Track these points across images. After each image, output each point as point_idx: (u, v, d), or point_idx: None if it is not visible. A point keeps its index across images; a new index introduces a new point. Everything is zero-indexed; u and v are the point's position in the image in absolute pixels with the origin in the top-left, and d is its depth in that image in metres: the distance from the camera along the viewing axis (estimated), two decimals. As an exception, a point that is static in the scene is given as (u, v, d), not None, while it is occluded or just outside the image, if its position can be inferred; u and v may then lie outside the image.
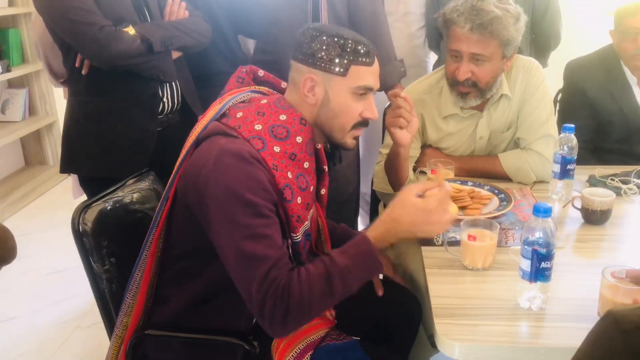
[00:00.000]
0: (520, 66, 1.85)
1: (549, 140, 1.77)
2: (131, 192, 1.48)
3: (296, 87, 1.30)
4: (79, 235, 1.34)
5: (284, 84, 1.39)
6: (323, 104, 1.28)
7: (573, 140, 1.64)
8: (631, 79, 2.12)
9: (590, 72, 2.16)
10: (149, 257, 1.32)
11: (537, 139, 1.79)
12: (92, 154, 1.92)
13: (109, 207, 1.40)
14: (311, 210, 1.34)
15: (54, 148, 4.30)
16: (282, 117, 1.26)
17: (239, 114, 1.26)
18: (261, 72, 1.40)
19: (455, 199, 1.51)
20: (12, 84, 4.13)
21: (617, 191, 1.69)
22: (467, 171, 1.80)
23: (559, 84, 2.36)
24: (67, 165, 2.00)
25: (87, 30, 1.74)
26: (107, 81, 1.87)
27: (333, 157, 2.15)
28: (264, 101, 1.29)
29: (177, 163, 1.29)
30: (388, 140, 1.89)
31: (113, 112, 1.90)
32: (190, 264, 1.30)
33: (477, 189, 1.61)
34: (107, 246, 1.37)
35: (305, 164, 1.28)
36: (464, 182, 1.64)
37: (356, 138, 1.37)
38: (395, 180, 1.79)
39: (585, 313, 1.17)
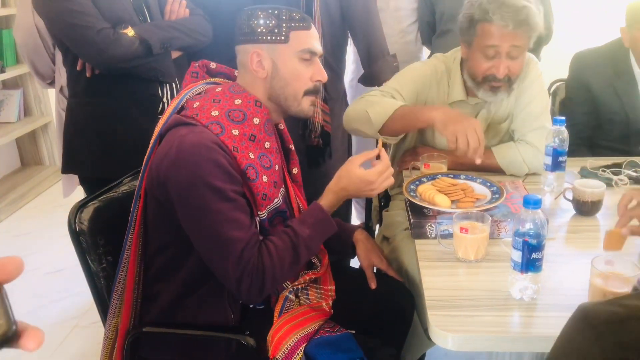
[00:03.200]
0: None
1: (542, 132, 1.79)
2: (127, 190, 1.49)
3: (245, 68, 1.36)
4: (76, 235, 1.35)
5: (236, 72, 1.44)
6: (274, 75, 1.35)
7: (564, 132, 1.66)
8: (639, 76, 2.09)
9: (597, 67, 2.13)
10: (131, 256, 1.35)
11: (531, 131, 1.81)
12: (92, 154, 1.93)
13: (105, 206, 1.42)
14: (281, 189, 1.39)
15: (49, 148, 4.31)
16: (237, 102, 1.32)
17: (196, 104, 1.32)
18: (213, 65, 1.46)
19: (447, 193, 1.53)
20: (6, 84, 4.13)
21: (609, 182, 1.71)
22: (462, 165, 1.81)
23: (550, 77, 2.37)
24: (69, 166, 2.01)
25: (84, 33, 1.74)
26: (106, 82, 1.88)
27: (323, 152, 2.18)
28: (219, 89, 1.35)
29: (144, 160, 1.33)
30: (394, 84, 1.84)
31: (113, 113, 1.91)
32: (170, 258, 1.34)
33: (469, 182, 1.62)
34: (103, 245, 1.38)
35: (266, 143, 1.34)
36: (457, 176, 1.66)
37: (314, 104, 1.44)
38: (398, 129, 1.73)
39: (576, 302, 1.15)
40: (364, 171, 1.36)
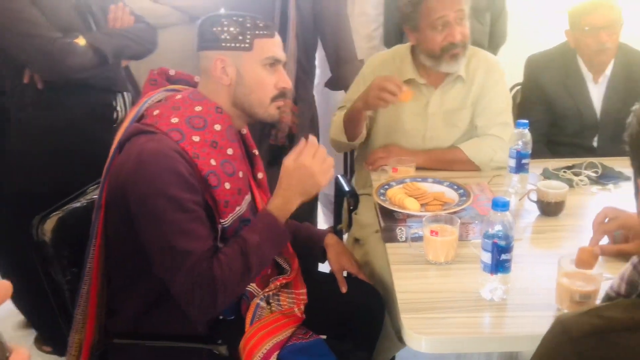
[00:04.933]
0: (482, 59, 1.96)
1: (505, 127, 1.90)
2: (91, 200, 1.45)
3: (208, 75, 1.35)
4: (38, 246, 1.31)
5: (197, 78, 1.43)
6: (238, 82, 1.34)
7: (527, 135, 1.70)
8: (587, 75, 2.19)
9: (548, 68, 2.24)
10: (94, 269, 1.32)
11: (494, 125, 1.92)
12: (46, 169, 1.85)
13: (68, 217, 1.38)
14: (246, 197, 1.37)
15: None
16: (198, 109, 1.31)
17: (156, 112, 1.30)
18: (172, 72, 1.45)
19: (417, 196, 1.55)
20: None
21: (570, 183, 1.76)
22: (433, 161, 1.90)
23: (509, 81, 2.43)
24: (20, 184, 1.88)
25: (38, 43, 1.67)
26: (57, 94, 1.80)
27: (286, 152, 2.20)
28: (179, 96, 1.34)
29: (104, 170, 1.31)
30: (350, 95, 2.01)
31: (67, 125, 1.83)
32: (134, 269, 1.31)
33: (437, 186, 1.64)
34: (68, 256, 1.34)
35: (228, 150, 1.32)
36: (424, 179, 1.68)
37: (280, 108, 1.42)
38: (352, 133, 1.92)
39: (544, 301, 1.22)
40: (296, 161, 1.31)
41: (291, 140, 2.21)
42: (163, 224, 1.20)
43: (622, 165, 1.89)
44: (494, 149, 1.89)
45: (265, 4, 2.09)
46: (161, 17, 2.41)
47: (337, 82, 2.37)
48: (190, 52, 2.04)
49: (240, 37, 1.31)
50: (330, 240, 1.60)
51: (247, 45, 1.32)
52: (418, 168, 1.85)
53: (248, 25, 1.32)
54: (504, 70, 1.97)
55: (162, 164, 1.20)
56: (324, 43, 2.29)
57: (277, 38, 1.38)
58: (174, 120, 1.27)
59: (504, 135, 1.87)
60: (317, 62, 2.46)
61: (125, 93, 1.95)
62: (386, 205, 1.52)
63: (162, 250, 1.21)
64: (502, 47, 2.84)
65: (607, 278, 1.16)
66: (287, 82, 1.39)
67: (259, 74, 1.34)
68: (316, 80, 2.73)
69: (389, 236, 1.48)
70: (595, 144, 2.21)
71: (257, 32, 1.32)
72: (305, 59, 2.23)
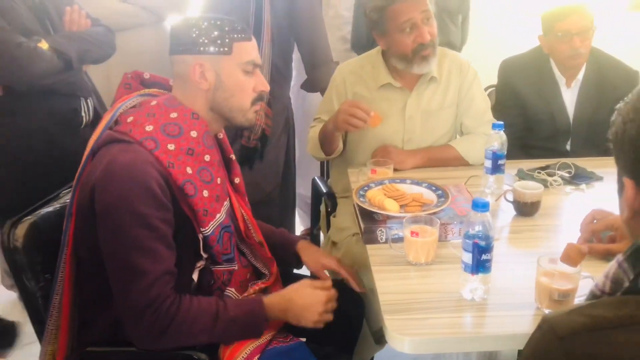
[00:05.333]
0: (453, 60, 1.99)
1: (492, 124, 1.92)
2: (65, 204, 1.41)
3: (184, 80, 1.32)
4: (10, 253, 1.27)
5: (172, 81, 1.40)
6: (217, 87, 1.32)
7: (503, 136, 1.72)
8: (560, 79, 2.23)
9: (522, 72, 2.26)
10: (65, 278, 1.28)
11: (482, 124, 1.97)
12: (10, 180, 1.79)
13: (41, 221, 1.34)
14: (225, 203, 1.36)
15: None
16: (173, 115, 1.28)
17: (130, 119, 1.27)
18: (147, 75, 1.42)
19: (396, 198, 1.55)
20: None
21: (544, 183, 1.79)
22: (428, 160, 1.95)
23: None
24: None
25: (3, 49, 1.61)
26: (20, 100, 1.74)
27: (258, 154, 2.19)
28: (154, 103, 1.31)
29: (76, 177, 1.28)
30: (323, 106, 2.03)
31: (31, 132, 1.78)
32: (106, 280, 1.26)
33: (415, 187, 1.65)
34: (41, 262, 1.30)
35: (205, 157, 1.30)
36: (403, 181, 1.68)
37: (257, 113, 1.42)
38: (328, 149, 1.94)
39: (523, 301, 1.23)
40: (314, 290, 1.34)
41: (264, 142, 2.21)
42: (124, 239, 1.17)
43: (594, 165, 1.94)
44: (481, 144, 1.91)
45: (240, 6, 2.08)
46: (130, 17, 2.37)
47: (312, 84, 2.37)
48: (160, 53, 2.02)
49: (219, 41, 1.29)
50: (303, 245, 1.58)
51: (226, 49, 1.30)
52: (415, 168, 1.92)
53: (227, 28, 1.30)
54: (475, 70, 2.02)
55: (132, 177, 1.18)
56: (299, 45, 2.29)
57: (254, 41, 1.36)
58: (149, 128, 1.24)
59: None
60: (293, 64, 2.45)
61: (89, 98, 1.91)
62: (366, 206, 1.52)
63: (118, 265, 1.19)
64: (474, 49, 2.91)
65: (585, 276, 1.18)
66: (266, 86, 1.38)
67: (239, 78, 1.33)
68: (292, 82, 2.73)
69: (370, 238, 1.48)
70: (568, 147, 2.24)
71: (235, 35, 1.31)
72: (282, 61, 2.22)
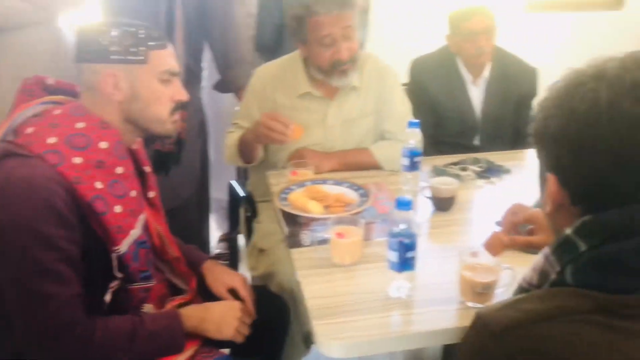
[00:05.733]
0: (374, 65, 1.98)
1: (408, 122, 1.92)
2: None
3: (93, 90, 1.22)
4: None
5: (79, 88, 1.30)
6: (133, 98, 1.23)
7: (419, 134, 1.76)
8: (467, 77, 2.33)
9: (431, 70, 2.33)
10: None
11: (403, 130, 1.91)
12: None
13: None
14: (140, 217, 1.27)
15: None
16: (80, 125, 1.18)
17: (29, 130, 1.15)
18: (51, 80, 1.29)
19: (318, 199, 1.53)
20: None
21: (458, 178, 1.84)
22: (345, 164, 1.91)
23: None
24: None
25: None
26: None
27: (173, 158, 2.09)
28: (58, 112, 1.20)
29: None
30: (241, 112, 1.97)
31: None
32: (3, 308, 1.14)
33: (337, 187, 1.64)
34: None
35: (117, 169, 1.20)
36: (324, 181, 1.67)
37: (176, 122, 1.34)
38: (248, 157, 1.90)
39: (448, 295, 1.25)
40: (235, 302, 1.35)
41: (179, 146, 2.11)
42: (25, 262, 1.06)
43: (502, 159, 2.03)
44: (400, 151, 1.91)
45: (149, 4, 1.97)
46: (20, 15, 2.17)
47: (226, 85, 2.30)
48: (55, 56, 1.86)
49: (133, 50, 1.19)
50: (208, 265, 1.50)
51: (142, 58, 1.20)
52: (332, 171, 1.88)
53: (141, 36, 1.20)
54: (396, 74, 2.02)
55: (31, 193, 1.06)
56: (211, 44, 2.21)
57: (170, 48, 1.28)
58: (51, 140, 1.13)
59: None
60: (204, 64, 2.37)
61: None
62: (288, 210, 1.49)
63: (20, 291, 1.08)
64: (384, 48, 2.95)
65: (505, 268, 1.22)
66: (183, 95, 1.30)
67: (156, 89, 1.24)
68: (204, 82, 2.64)
69: (294, 241, 1.45)
70: (476, 142, 2.34)
71: (151, 43, 1.21)
72: (193, 61, 2.13)
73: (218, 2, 2.14)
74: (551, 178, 0.78)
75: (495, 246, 1.18)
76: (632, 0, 4.00)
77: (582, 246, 0.73)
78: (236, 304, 1.34)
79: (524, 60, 2.36)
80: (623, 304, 0.68)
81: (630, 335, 0.66)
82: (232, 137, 1.93)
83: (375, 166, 1.95)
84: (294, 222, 1.48)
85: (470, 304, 1.22)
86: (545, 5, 4.00)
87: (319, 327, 1.16)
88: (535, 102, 2.41)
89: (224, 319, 1.29)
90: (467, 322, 0.80)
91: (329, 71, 1.82)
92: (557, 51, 3.74)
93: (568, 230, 0.75)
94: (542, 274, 0.78)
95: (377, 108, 1.98)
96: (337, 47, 1.77)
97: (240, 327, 1.32)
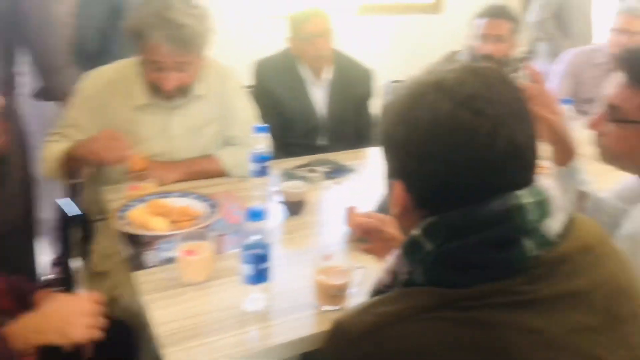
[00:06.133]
0: (216, 70, 1.89)
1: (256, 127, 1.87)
2: None
3: None
4: None
5: None
6: None
7: (266, 138, 1.73)
8: (308, 78, 2.35)
9: (274, 72, 2.33)
10: None
11: (249, 136, 1.86)
12: None
13: None
14: None
15: None
16: None
17: None
18: None
19: (162, 214, 1.43)
20: None
21: (307, 180, 1.85)
22: (191, 174, 1.81)
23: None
24: None
25: None
26: None
27: None
28: None
29: None
30: (67, 120, 1.77)
31: None
32: None
33: (183, 199, 1.55)
34: None
35: None
36: (167, 194, 1.56)
37: None
38: (76, 173, 1.76)
39: (304, 301, 1.23)
40: (72, 297, 1.18)
41: (1, 163, 1.85)
42: None
43: (347, 159, 2.09)
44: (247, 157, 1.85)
45: None
46: None
47: (49, 92, 2.06)
48: None
49: None
50: (40, 295, 1.32)
51: None
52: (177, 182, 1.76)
53: None
54: (238, 78, 1.97)
55: None
56: (29, 49, 1.96)
57: None
58: None
59: None
60: (21, 68, 2.10)
61: None
62: (129, 229, 1.36)
63: None
64: (225, 50, 2.88)
65: (357, 267, 1.23)
66: (1, 101, 1.13)
67: None
68: (22, 89, 2.35)
69: (137, 263, 1.33)
70: (322, 142, 2.38)
71: None
72: (4, 67, 1.87)
73: (34, 1, 1.90)
74: (396, 184, 0.79)
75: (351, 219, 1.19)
76: (449, 6, 4.40)
77: (428, 246, 0.75)
78: (79, 297, 1.16)
79: (360, 63, 2.46)
80: (467, 296, 0.70)
81: (478, 324, 0.69)
82: (53, 149, 1.72)
83: (222, 173, 1.89)
84: (137, 241, 1.36)
85: (325, 307, 1.21)
86: (375, 8, 4.24)
87: (172, 355, 1.07)
88: (372, 103, 2.53)
89: (68, 319, 1.12)
90: (325, 326, 0.79)
91: (155, 91, 1.72)
92: (384, 52, 3.99)
93: (415, 232, 0.76)
94: (395, 275, 0.79)
95: (221, 114, 1.91)
96: (165, 75, 1.66)
97: (92, 322, 1.14)
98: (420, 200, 0.77)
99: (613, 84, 1.18)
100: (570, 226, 0.76)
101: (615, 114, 1.16)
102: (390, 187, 0.82)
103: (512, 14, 2.51)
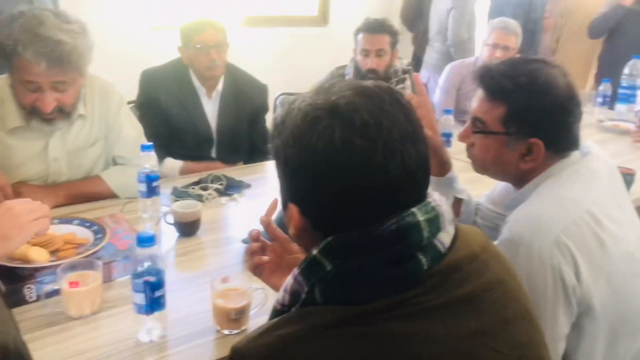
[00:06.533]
0: (96, 87, 1.79)
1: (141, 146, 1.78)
2: None
3: None
4: None
5: None
6: None
7: (154, 157, 1.66)
8: (200, 90, 2.30)
9: (163, 83, 2.26)
10: None
11: (136, 154, 1.77)
12: None
13: None
14: None
15: None
16: None
17: None
18: None
19: (43, 244, 1.32)
20: None
21: (200, 198, 1.81)
22: (73, 197, 1.70)
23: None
24: None
25: None
26: None
27: None
28: None
29: None
30: None
31: None
32: None
33: (66, 226, 1.44)
34: None
35: None
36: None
37: None
38: None
39: (203, 327, 1.20)
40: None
41: None
42: None
43: (241, 174, 2.06)
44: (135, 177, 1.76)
45: None
46: None
47: None
48: None
49: None
50: None
51: None
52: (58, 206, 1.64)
53: None
54: (121, 94, 1.87)
55: None
56: None
57: None
58: None
59: None
60: None
61: None
62: (5, 262, 1.24)
63: None
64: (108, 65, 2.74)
65: (256, 289, 1.22)
66: None
67: None
68: None
69: (16, 299, 1.22)
70: (214, 155, 2.34)
71: None
72: None
73: None
74: (292, 207, 0.79)
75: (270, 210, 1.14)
76: (334, 18, 4.53)
77: (327, 265, 0.76)
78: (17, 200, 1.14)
79: (254, 77, 2.45)
80: (367, 312, 0.72)
81: (378, 338, 0.71)
82: None
83: (109, 195, 1.79)
84: (14, 275, 1.24)
85: (226, 331, 1.19)
86: (260, 20, 4.26)
87: (59, 399, 1.00)
88: (267, 117, 2.53)
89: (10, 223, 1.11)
90: (226, 351, 0.77)
91: (31, 113, 1.59)
92: (273, 65, 4.01)
93: (314, 251, 0.77)
94: (294, 294, 0.79)
95: (105, 133, 1.82)
96: (42, 97, 1.54)
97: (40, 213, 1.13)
98: (316, 223, 0.78)
99: (476, 98, 1.27)
100: (456, 236, 0.81)
101: (479, 126, 1.25)
102: (286, 209, 0.82)
103: (391, 27, 2.60)
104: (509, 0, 4.16)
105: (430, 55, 4.12)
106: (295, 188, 0.79)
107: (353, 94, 0.76)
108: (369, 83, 0.80)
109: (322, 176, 0.74)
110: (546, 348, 0.85)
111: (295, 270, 0.80)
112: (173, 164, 2.23)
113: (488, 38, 3.06)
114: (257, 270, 1.15)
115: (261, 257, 1.14)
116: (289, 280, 0.81)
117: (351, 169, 0.73)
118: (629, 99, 3.15)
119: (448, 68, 3.29)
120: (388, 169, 0.73)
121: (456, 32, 3.72)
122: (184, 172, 2.19)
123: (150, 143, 1.67)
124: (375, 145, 0.73)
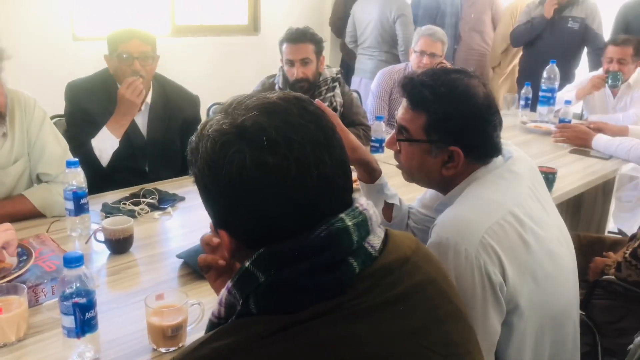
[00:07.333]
0: (19, 101, 1.72)
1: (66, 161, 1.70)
2: None
3: None
4: None
5: None
6: None
7: (80, 174, 1.60)
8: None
9: (91, 94, 2.18)
10: None
11: (62, 171, 1.70)
12: None
13: None
14: None
15: None
16: None
17: None
18: None
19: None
20: None
21: (132, 214, 1.75)
22: None
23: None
24: None
25: None
26: None
27: None
28: None
29: None
30: None
31: None
32: None
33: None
34: None
35: None
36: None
37: None
38: None
39: (139, 346, 1.17)
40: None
41: None
42: None
43: (174, 187, 2.02)
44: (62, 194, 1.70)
45: None
46: None
47: None
48: None
49: None
50: None
51: None
52: None
53: None
54: (44, 110, 1.80)
55: None
56: None
57: None
58: None
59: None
60: None
61: None
62: None
63: None
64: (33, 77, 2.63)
65: (192, 304, 1.20)
66: None
67: None
68: None
69: None
70: (147, 168, 2.27)
71: None
72: None
73: None
74: (221, 232, 0.80)
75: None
76: (265, 27, 4.53)
77: (261, 276, 0.76)
78: None
79: (184, 88, 2.40)
80: (301, 319, 0.72)
81: (313, 344, 0.71)
82: None
83: (34, 214, 1.71)
84: None
85: (163, 349, 1.16)
86: (189, 30, 4.20)
87: None
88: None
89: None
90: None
91: None
92: (205, 74, 3.97)
93: (247, 263, 0.77)
94: (229, 306, 0.79)
95: (27, 150, 1.74)
96: None
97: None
98: (248, 244, 0.78)
99: (401, 107, 1.31)
100: (386, 240, 0.83)
101: (404, 134, 1.29)
102: (216, 234, 0.82)
103: (314, 35, 2.58)
104: (420, 6, 4.37)
105: (366, 63, 4.21)
106: (219, 214, 0.80)
107: (258, 114, 0.76)
108: (274, 97, 0.79)
109: (241, 200, 0.75)
110: (478, 346, 0.88)
111: (229, 283, 0.80)
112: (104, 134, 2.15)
113: (416, 45, 3.16)
114: (205, 268, 1.14)
115: (215, 257, 1.12)
116: (223, 293, 0.81)
117: (268, 189, 0.74)
118: (549, 101, 3.33)
119: (379, 75, 3.35)
120: (305, 182, 0.74)
121: (409, 37, 3.80)
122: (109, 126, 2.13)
123: (76, 159, 1.60)
124: (288, 161, 0.73)
